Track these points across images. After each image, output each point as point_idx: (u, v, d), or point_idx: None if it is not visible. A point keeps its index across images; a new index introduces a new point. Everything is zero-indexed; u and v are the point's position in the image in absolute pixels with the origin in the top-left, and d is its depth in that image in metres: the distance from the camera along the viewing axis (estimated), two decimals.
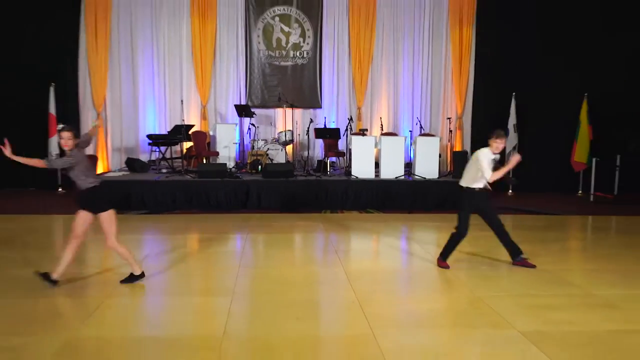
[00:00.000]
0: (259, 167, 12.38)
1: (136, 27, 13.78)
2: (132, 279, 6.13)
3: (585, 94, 13.64)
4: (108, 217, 5.95)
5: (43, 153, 12.94)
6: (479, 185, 6.79)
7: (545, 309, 5.48)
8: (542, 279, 6.52)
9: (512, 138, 13.56)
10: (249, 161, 12.71)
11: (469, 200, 6.84)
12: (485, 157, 6.64)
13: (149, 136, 12.99)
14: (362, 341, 4.67)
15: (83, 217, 5.94)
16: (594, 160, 13.24)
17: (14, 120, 13.31)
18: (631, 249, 8.30)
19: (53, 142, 12.89)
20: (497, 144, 6.65)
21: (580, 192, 13.85)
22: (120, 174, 12.16)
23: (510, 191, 13.65)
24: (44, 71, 13.18)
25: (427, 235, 9.48)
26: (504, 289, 6.19)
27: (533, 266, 7.02)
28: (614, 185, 13.28)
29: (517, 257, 7.14)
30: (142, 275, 6.18)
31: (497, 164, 6.77)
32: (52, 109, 12.96)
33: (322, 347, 4.65)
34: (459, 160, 12.56)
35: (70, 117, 13.47)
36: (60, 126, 6.00)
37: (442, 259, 7.03)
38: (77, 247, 6.02)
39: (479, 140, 14.07)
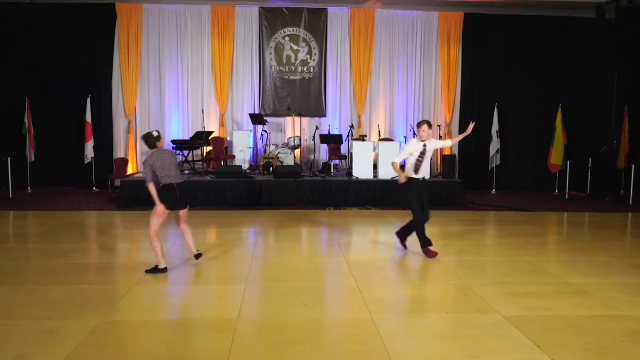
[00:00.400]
0: (271, 168, 12.32)
1: (163, 45, 13.72)
2: (155, 270, 6.07)
3: (560, 104, 13.56)
4: (155, 210, 5.98)
5: (81, 156, 13.01)
6: (419, 175, 6.78)
7: (526, 295, 5.40)
8: (523, 269, 6.43)
9: (495, 143, 13.51)
10: (261, 163, 12.64)
11: (413, 189, 6.78)
12: (411, 144, 6.80)
13: (173, 141, 12.95)
14: (362, 324, 4.60)
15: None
16: (568, 162, 13.16)
17: (56, 128, 13.41)
18: (602, 242, 8.20)
19: (89, 146, 12.89)
20: (420, 132, 6.73)
21: (556, 191, 13.74)
22: None
23: (493, 190, 13.56)
24: (81, 84, 13.21)
25: None
26: (489, 278, 6.10)
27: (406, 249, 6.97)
28: (586, 185, 13.21)
29: (403, 244, 7.26)
30: (165, 270, 6.10)
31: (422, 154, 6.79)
32: (88, 117, 12.95)
33: (326, 329, 4.58)
34: (448, 163, 12.55)
35: (104, 124, 13.50)
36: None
37: (427, 249, 6.92)
38: (184, 231, 6.42)
39: (466, 145, 14.06)
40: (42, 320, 4.57)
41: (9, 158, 11.82)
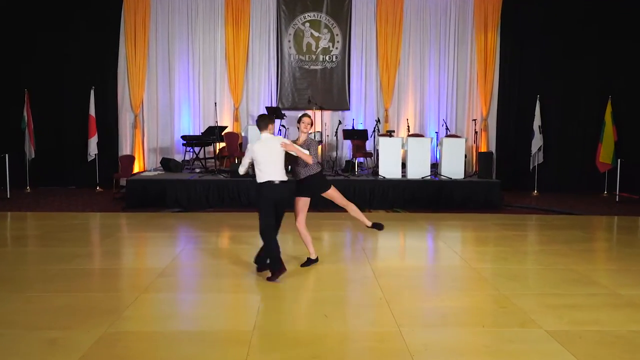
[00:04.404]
0: (289, 167, 12.31)
1: (173, 33, 13.87)
2: (309, 262, 6.78)
3: (610, 96, 13.35)
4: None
5: (84, 153, 13.17)
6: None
7: (571, 308, 5.33)
8: (567, 279, 6.35)
9: (538, 139, 13.36)
10: None
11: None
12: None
13: (184, 137, 13.06)
14: (389, 337, 4.58)
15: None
16: (618, 161, 12.94)
17: (58, 122, 13.63)
18: None
19: (92, 143, 13.04)
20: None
21: (605, 192, 13.52)
22: (155, 173, 12.21)
23: (535, 191, 13.41)
24: (84, 76, 13.42)
25: (452, 234, 9.33)
26: (530, 288, 6.04)
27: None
28: (639, 186, 12.98)
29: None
30: (317, 260, 6.79)
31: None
32: (92, 111, 13.10)
33: (350, 343, 4.57)
34: (485, 161, 12.37)
35: (109, 118, 13.65)
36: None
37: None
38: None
39: (504, 141, 13.95)
40: (43, 331, 4.62)
41: (6, 155, 12.02)
